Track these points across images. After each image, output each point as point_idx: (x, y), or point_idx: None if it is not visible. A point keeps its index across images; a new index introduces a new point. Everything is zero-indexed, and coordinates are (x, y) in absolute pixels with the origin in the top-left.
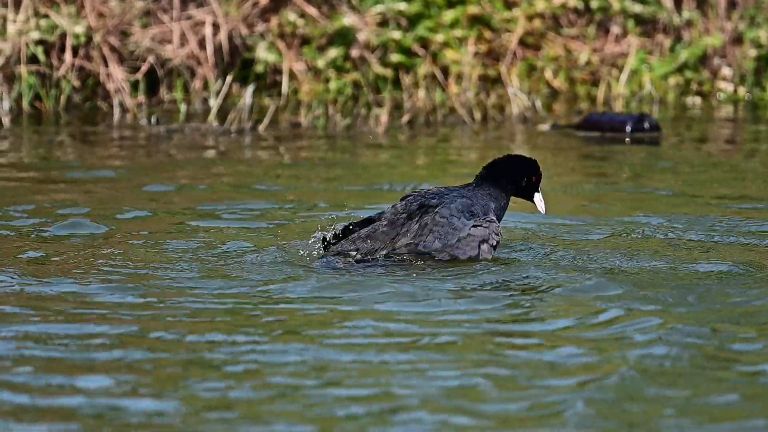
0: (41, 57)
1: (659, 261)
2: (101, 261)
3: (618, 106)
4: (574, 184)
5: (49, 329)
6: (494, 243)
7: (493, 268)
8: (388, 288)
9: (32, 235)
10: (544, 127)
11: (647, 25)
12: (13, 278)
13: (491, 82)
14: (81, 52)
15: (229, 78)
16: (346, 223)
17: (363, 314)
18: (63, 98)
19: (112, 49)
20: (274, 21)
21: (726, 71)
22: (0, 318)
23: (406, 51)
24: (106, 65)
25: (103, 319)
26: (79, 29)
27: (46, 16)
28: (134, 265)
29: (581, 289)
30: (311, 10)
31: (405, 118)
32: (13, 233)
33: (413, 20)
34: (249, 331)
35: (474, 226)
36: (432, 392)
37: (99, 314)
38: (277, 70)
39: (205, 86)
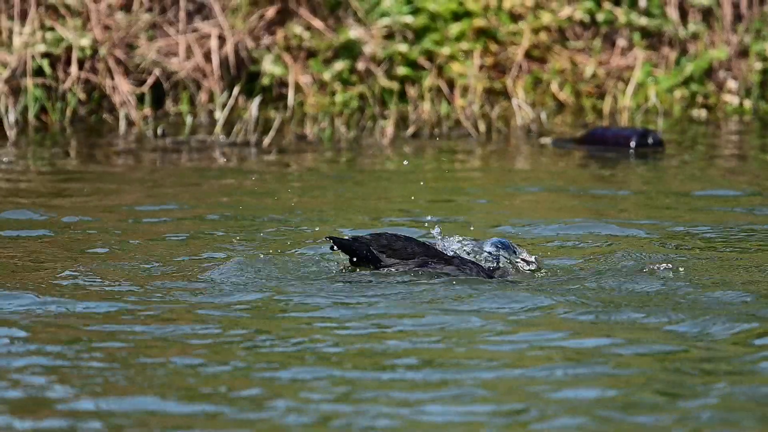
0: (47, 70)
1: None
2: (110, 271)
3: (624, 119)
4: (582, 195)
5: (68, 348)
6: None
7: (542, 281)
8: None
9: (39, 247)
10: (546, 140)
11: (653, 38)
12: (19, 294)
13: (497, 95)
14: (87, 64)
15: (235, 91)
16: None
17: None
18: (69, 111)
19: (118, 61)
20: (280, 34)
21: (731, 84)
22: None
23: (412, 64)
24: (112, 78)
25: (116, 330)
26: (85, 42)
27: (51, 28)
28: (140, 276)
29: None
30: (317, 23)
31: (410, 130)
32: (19, 244)
33: (419, 33)
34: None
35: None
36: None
37: (111, 325)
38: (283, 83)
39: (211, 99)
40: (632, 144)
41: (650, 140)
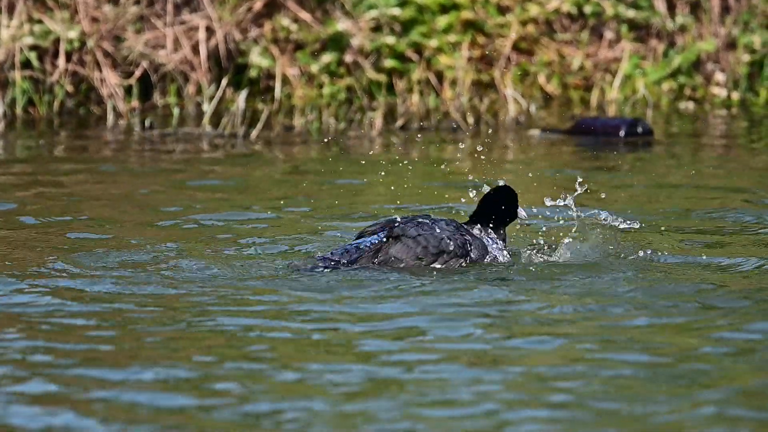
0: (35, 62)
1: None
2: (101, 265)
3: (611, 112)
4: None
5: (59, 339)
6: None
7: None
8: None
9: (28, 239)
10: (534, 132)
11: (641, 31)
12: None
13: (484, 87)
14: (74, 57)
15: (222, 83)
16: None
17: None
18: (56, 103)
19: (106, 54)
20: (267, 26)
21: (719, 76)
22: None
23: (400, 56)
24: (100, 70)
25: (101, 325)
26: (73, 34)
27: (39, 21)
28: (126, 270)
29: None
30: (305, 16)
31: (399, 123)
32: (9, 237)
33: (407, 25)
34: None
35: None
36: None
37: (99, 322)
38: (271, 75)
39: (199, 91)
40: (621, 133)
41: (639, 129)
